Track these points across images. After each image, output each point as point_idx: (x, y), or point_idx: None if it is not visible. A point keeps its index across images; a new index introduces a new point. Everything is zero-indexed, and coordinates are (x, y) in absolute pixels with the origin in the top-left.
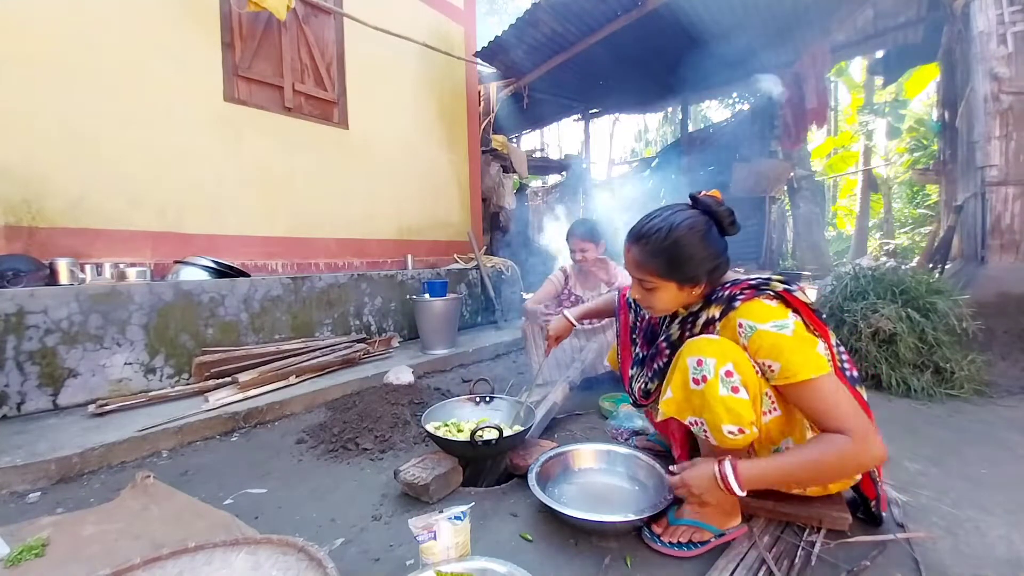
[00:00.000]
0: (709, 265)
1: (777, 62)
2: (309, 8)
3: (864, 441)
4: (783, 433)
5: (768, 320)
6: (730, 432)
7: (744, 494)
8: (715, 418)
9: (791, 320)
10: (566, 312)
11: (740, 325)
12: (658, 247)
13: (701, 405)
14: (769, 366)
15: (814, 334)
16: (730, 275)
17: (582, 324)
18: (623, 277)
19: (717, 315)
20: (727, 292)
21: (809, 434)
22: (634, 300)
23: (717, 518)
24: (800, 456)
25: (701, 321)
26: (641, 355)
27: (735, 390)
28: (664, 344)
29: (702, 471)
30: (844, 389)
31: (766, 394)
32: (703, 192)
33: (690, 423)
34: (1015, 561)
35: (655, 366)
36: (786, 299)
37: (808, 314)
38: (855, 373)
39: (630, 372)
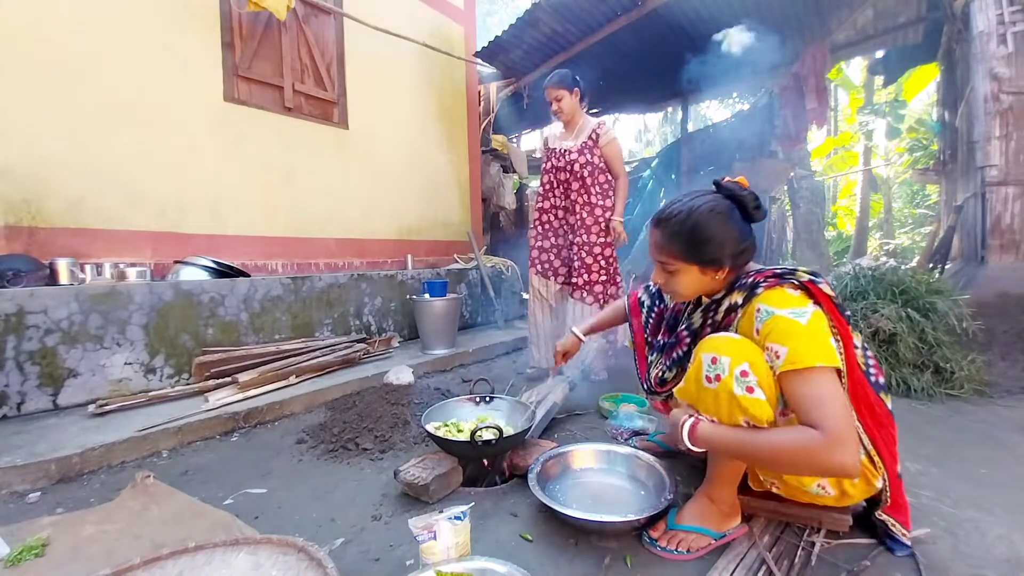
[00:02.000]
0: (732, 249)
1: (777, 62)
2: (309, 8)
3: (836, 445)
4: None
5: (786, 307)
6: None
7: (693, 447)
8: (726, 416)
9: (809, 309)
10: (574, 328)
11: (758, 310)
12: (679, 229)
13: (712, 403)
14: (776, 352)
15: (833, 331)
16: (754, 265)
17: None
18: (608, 130)
19: (740, 301)
20: (751, 279)
21: None
22: (647, 297)
23: (716, 521)
24: (763, 436)
25: (724, 308)
26: (662, 342)
27: (750, 390)
28: (685, 333)
29: (675, 415)
30: (841, 393)
31: (782, 396)
32: (727, 178)
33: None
34: (1015, 561)
35: (674, 355)
36: (810, 290)
37: (831, 309)
38: (881, 380)
39: (648, 358)
